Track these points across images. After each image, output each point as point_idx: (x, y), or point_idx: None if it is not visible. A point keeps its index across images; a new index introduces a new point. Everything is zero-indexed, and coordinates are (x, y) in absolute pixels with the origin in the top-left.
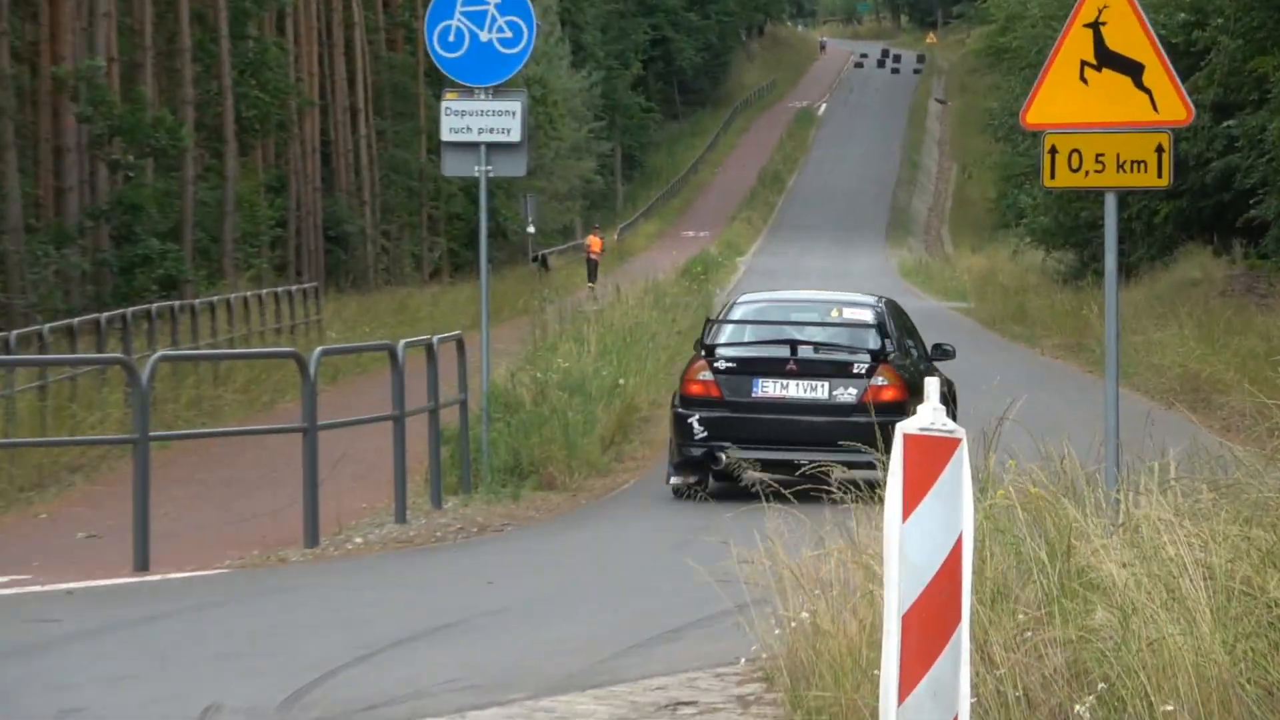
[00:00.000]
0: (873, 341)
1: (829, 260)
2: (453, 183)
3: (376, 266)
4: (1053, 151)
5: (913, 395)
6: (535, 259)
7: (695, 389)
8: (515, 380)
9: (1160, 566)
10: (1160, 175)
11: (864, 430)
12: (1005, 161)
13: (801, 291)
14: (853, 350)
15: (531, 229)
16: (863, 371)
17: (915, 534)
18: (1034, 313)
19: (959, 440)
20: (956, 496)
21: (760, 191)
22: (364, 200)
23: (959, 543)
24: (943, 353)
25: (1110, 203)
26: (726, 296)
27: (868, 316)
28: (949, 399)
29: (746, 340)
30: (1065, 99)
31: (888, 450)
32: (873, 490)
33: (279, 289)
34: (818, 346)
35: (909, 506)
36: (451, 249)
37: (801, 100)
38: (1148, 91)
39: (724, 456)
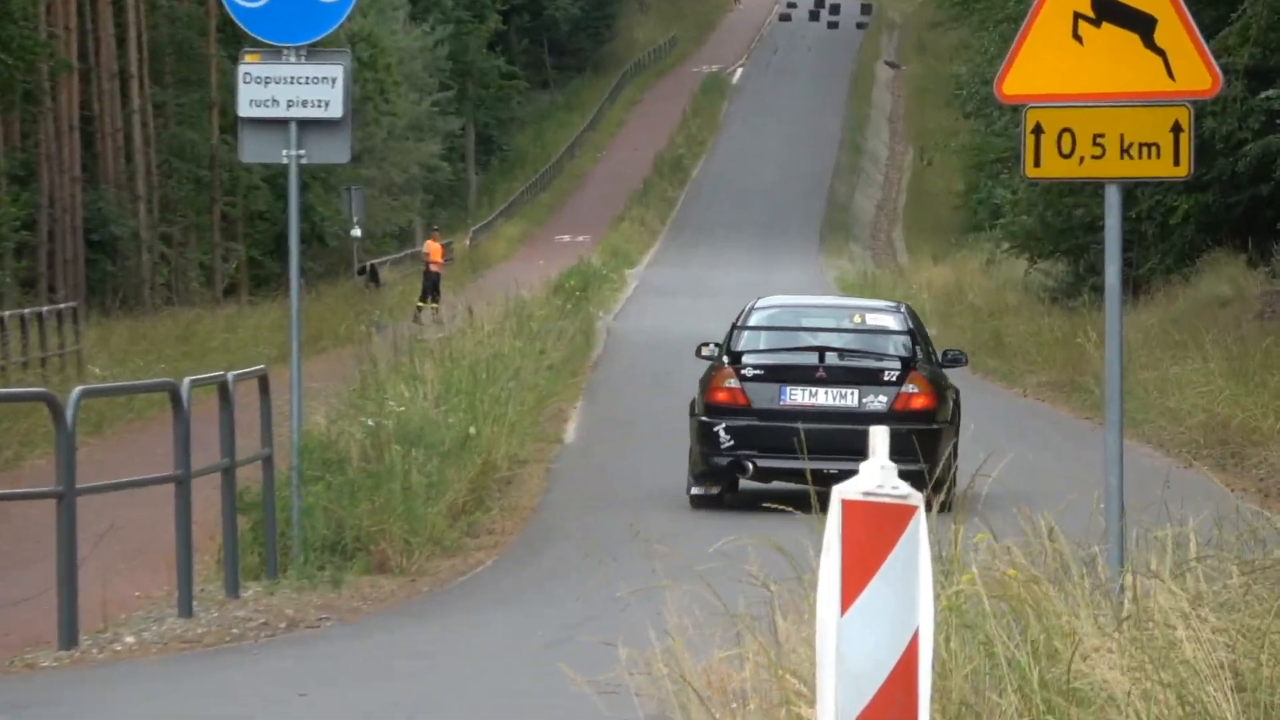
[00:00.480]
0: (903, 348)
1: (746, 272)
2: (254, 171)
3: (154, 281)
4: (1037, 131)
5: (941, 403)
6: (362, 271)
7: (721, 396)
8: (337, 430)
9: (1174, 673)
10: (1177, 163)
11: (895, 439)
12: (976, 144)
13: (819, 297)
14: (882, 357)
15: (357, 232)
16: (893, 379)
17: (857, 630)
18: (1014, 341)
19: (915, 508)
20: (911, 582)
21: (656, 183)
22: (138, 195)
23: (914, 642)
24: (953, 360)
25: (1113, 198)
26: (613, 320)
27: (893, 322)
28: (957, 409)
29: (772, 347)
30: (1053, 62)
31: (920, 458)
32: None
33: (25, 310)
34: (846, 354)
35: (849, 595)
36: (253, 258)
37: (710, 63)
38: (1161, 53)
39: (751, 465)
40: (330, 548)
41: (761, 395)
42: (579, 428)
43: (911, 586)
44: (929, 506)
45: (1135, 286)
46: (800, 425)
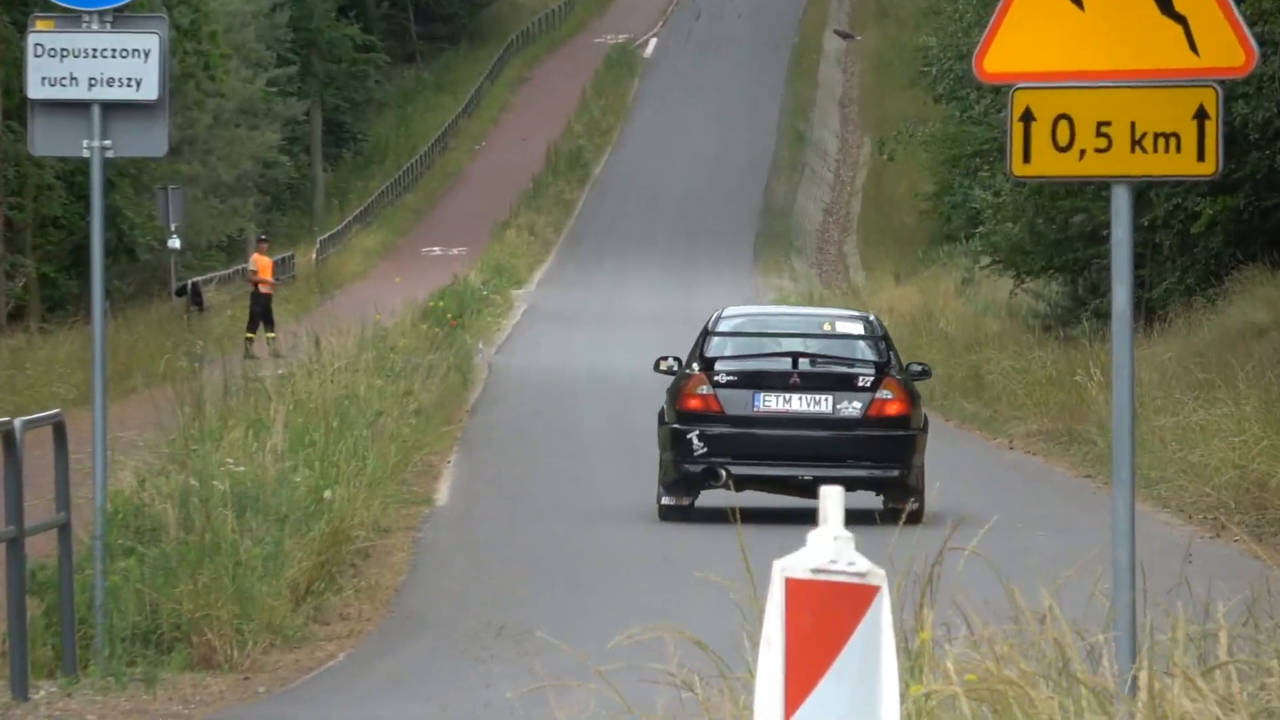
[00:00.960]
0: (876, 354)
1: (663, 295)
2: (47, 167)
3: None
4: (1026, 119)
5: (914, 409)
6: (181, 291)
7: (694, 403)
8: (152, 490)
9: None
10: (1202, 157)
11: (868, 444)
12: (949, 134)
13: (785, 307)
14: (855, 363)
15: (175, 243)
16: (867, 385)
17: None
18: (997, 380)
19: (876, 589)
20: (872, 681)
21: (550, 182)
22: None
23: None
24: (917, 373)
25: (1121, 202)
26: (494, 354)
27: (864, 329)
28: (926, 417)
29: (745, 353)
30: (1047, 32)
31: (895, 464)
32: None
33: None
34: (820, 359)
35: (795, 697)
36: (45, 275)
37: (616, 33)
38: (1182, 20)
39: (724, 473)
40: (143, 637)
41: (735, 402)
42: (453, 487)
43: (872, 686)
44: (904, 517)
45: (1149, 312)
46: (774, 431)
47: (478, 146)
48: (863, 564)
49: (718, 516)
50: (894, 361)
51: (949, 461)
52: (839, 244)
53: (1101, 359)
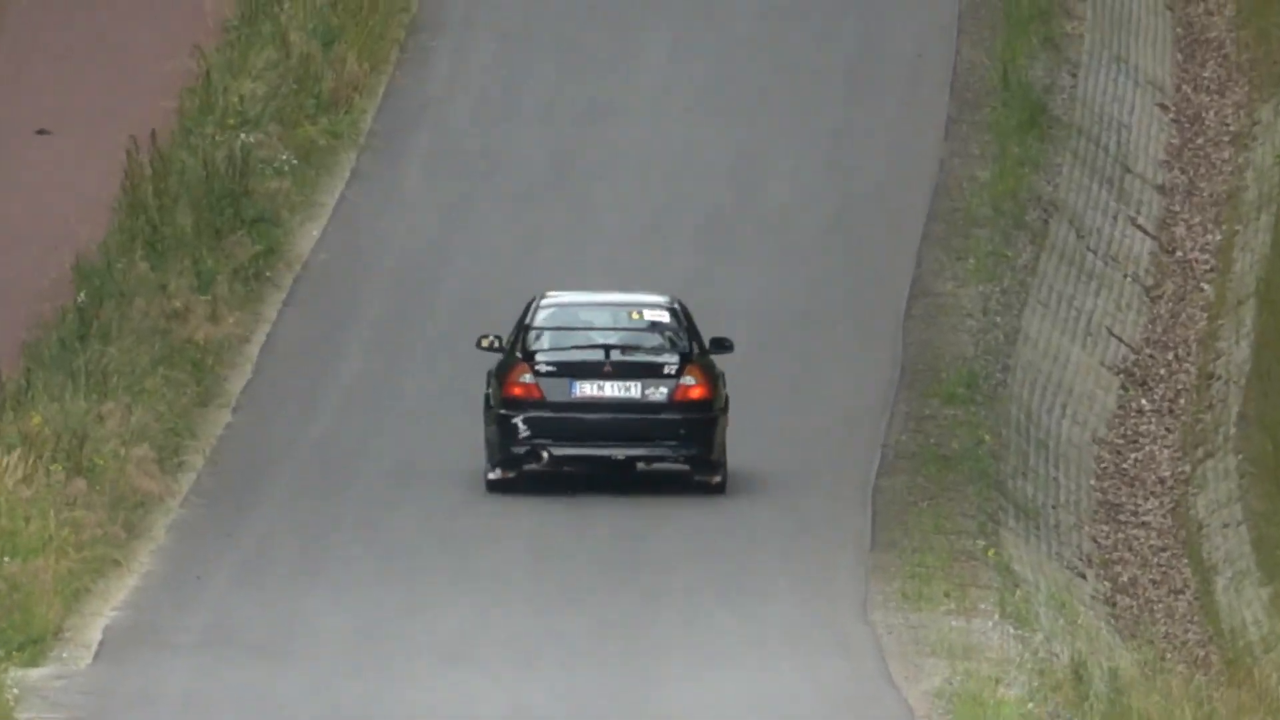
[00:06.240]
0: (680, 343)
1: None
2: None
3: None
4: None
5: (716, 393)
6: None
7: (517, 391)
8: None
9: None
10: None
11: (673, 426)
12: None
13: (595, 294)
14: (661, 351)
15: None
16: (672, 372)
17: None
18: None
19: None
20: None
21: (142, 281)
22: None
23: None
24: (720, 345)
25: None
26: None
27: (669, 318)
28: (727, 396)
29: (562, 345)
30: None
31: (698, 443)
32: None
33: None
34: (630, 349)
35: None
36: None
37: None
38: None
39: (545, 454)
40: None
41: (554, 389)
42: None
43: None
44: (708, 488)
45: None
46: (590, 416)
47: None
48: None
49: None
50: (696, 347)
51: None
52: (1173, 472)
53: None
